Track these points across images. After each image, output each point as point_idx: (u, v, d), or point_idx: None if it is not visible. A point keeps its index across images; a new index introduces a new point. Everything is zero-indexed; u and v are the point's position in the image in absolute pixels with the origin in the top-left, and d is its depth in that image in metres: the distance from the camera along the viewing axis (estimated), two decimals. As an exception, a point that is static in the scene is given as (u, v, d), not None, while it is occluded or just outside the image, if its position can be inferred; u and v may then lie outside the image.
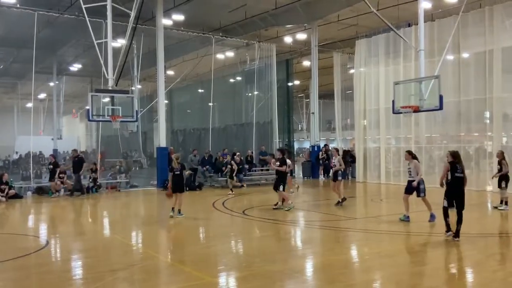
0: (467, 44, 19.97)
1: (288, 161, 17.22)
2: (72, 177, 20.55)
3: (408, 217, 11.99)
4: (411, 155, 11.94)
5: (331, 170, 16.16)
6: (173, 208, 13.34)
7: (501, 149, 17.68)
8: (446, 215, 9.76)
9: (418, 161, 12.19)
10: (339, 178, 15.26)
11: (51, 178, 19.86)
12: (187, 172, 14.55)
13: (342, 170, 15.55)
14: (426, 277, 7.56)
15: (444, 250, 9.42)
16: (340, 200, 15.13)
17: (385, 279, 7.58)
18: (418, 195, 11.81)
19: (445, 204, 9.74)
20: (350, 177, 26.27)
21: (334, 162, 15.54)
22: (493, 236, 10.95)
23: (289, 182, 17.54)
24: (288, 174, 17.17)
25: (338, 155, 15.82)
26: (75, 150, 21.26)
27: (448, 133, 21.65)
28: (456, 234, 9.58)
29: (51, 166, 20.17)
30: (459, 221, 9.55)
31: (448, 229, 9.83)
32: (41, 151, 38.23)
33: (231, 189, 19.38)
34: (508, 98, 18.97)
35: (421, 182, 11.71)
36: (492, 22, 18.79)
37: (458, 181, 9.64)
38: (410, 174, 11.99)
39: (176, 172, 13.35)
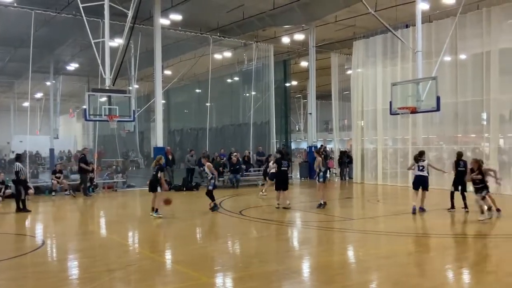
0: (464, 45, 20.01)
1: None
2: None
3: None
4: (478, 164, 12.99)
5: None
6: (152, 208, 13.51)
7: (498, 151, 17.87)
8: (452, 197, 13.61)
9: None
10: (320, 180, 15.10)
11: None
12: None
13: (321, 171, 15.23)
14: (423, 278, 7.56)
15: (441, 251, 9.42)
16: (322, 203, 14.93)
17: (382, 280, 7.58)
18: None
19: (452, 189, 13.69)
20: (347, 178, 26.32)
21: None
22: (489, 238, 10.96)
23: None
24: None
25: (320, 156, 15.47)
26: (85, 149, 21.03)
27: (445, 134, 21.69)
28: (465, 206, 13.39)
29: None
30: (463, 198, 13.42)
31: (452, 207, 13.57)
32: (38, 151, 38.14)
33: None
34: (505, 100, 19.02)
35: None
36: (489, 23, 18.84)
37: (460, 173, 13.49)
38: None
39: (153, 173, 13.81)
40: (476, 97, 19.62)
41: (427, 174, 13.69)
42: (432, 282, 7.30)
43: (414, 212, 13.21)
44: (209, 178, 14.84)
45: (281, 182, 15.07)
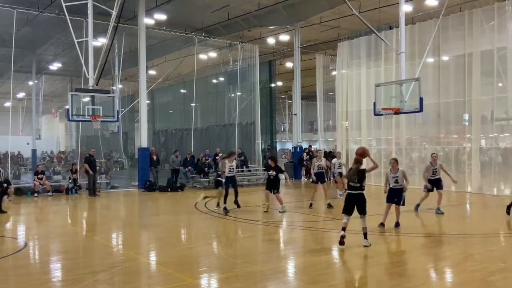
0: (447, 47, 20.28)
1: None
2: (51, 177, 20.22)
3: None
4: (397, 164, 11.55)
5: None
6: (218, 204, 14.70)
7: (479, 151, 18.10)
8: None
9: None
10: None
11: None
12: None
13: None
14: (406, 277, 7.63)
15: (424, 250, 9.53)
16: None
17: (366, 279, 7.64)
18: (401, 204, 11.42)
19: None
20: (332, 178, 26.39)
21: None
22: (471, 237, 11.12)
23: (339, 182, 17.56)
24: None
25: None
26: (93, 149, 21.05)
27: (427, 134, 21.95)
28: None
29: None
30: None
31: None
32: (20, 151, 37.65)
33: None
34: (486, 101, 19.31)
35: (404, 190, 11.48)
36: (471, 25, 19.12)
37: None
38: (434, 174, 12.79)
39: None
40: (458, 98, 19.90)
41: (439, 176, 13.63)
42: (414, 281, 7.38)
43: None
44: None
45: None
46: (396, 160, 11.58)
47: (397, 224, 11.20)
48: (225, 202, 14.34)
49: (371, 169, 9.88)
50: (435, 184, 13.49)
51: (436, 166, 13.53)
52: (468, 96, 19.44)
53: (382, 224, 11.17)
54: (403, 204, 11.34)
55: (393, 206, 11.30)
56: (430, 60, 20.41)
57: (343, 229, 9.40)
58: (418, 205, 13.77)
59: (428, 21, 20.15)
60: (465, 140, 20.74)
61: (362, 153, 9.81)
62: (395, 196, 11.23)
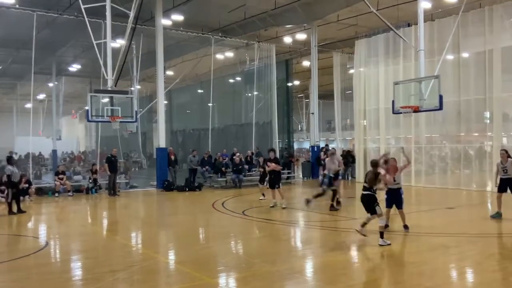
0: (467, 44, 19.96)
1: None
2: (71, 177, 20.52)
3: (499, 213, 12.13)
4: (396, 162, 11.11)
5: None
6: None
7: (502, 148, 17.73)
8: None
9: None
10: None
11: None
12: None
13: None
14: (426, 277, 7.53)
15: (444, 250, 9.39)
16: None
17: (385, 280, 7.58)
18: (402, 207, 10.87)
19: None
20: (350, 177, 26.28)
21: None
22: (492, 237, 10.94)
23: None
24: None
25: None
26: (115, 150, 21.37)
27: (448, 133, 21.65)
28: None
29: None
30: None
31: None
32: (41, 152, 38.28)
33: (262, 194, 17.35)
34: (507, 98, 19.00)
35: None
36: (491, 22, 18.79)
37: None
38: (505, 172, 12.13)
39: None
40: (478, 96, 19.59)
41: None
42: (434, 281, 7.28)
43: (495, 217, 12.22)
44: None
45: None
46: (394, 160, 11.13)
47: (405, 227, 10.79)
48: (333, 200, 14.33)
49: (384, 180, 9.95)
50: (508, 184, 12.16)
51: (506, 164, 12.10)
52: (489, 93, 19.11)
53: (385, 226, 10.70)
54: (401, 208, 10.84)
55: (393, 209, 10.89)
56: (450, 57, 20.12)
57: (363, 224, 9.88)
58: (498, 213, 12.37)
59: (447, 17, 19.86)
60: (486, 138, 20.39)
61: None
62: (394, 199, 10.75)
